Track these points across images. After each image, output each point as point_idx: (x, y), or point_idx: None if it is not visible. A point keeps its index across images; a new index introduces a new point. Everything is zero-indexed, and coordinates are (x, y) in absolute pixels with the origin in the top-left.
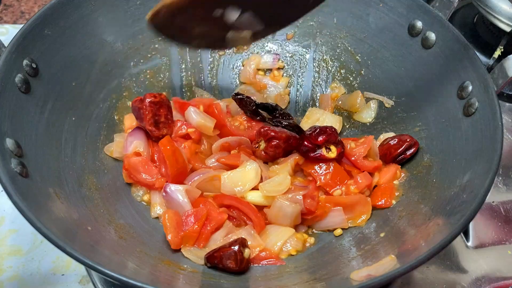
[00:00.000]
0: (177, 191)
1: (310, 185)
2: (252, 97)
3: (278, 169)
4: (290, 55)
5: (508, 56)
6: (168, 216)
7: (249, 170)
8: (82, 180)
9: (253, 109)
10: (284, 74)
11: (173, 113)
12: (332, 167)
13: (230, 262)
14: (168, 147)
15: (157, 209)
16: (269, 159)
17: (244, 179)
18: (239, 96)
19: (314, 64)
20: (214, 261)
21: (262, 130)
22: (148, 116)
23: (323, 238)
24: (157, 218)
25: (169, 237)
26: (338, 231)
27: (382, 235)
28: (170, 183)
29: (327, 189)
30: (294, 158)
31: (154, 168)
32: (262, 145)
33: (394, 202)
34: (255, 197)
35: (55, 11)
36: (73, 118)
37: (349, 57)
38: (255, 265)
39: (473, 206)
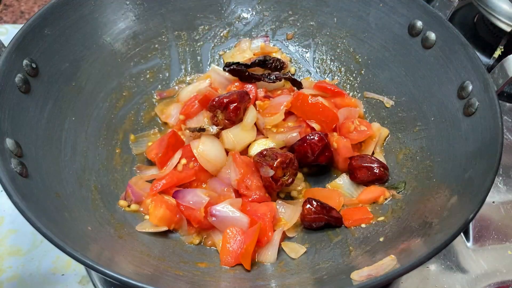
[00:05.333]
0: (225, 208)
1: (302, 124)
2: (239, 62)
3: (274, 119)
4: (290, 55)
5: (508, 56)
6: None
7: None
8: (82, 180)
9: (246, 75)
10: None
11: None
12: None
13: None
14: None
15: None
16: (235, 123)
17: (243, 134)
18: (232, 67)
19: (314, 64)
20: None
21: (213, 102)
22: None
23: (324, 239)
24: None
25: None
26: (337, 237)
27: (382, 237)
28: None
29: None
30: (284, 106)
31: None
32: (220, 115)
33: (364, 225)
34: (257, 149)
35: (55, 11)
36: (73, 118)
37: (349, 57)
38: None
39: (473, 206)
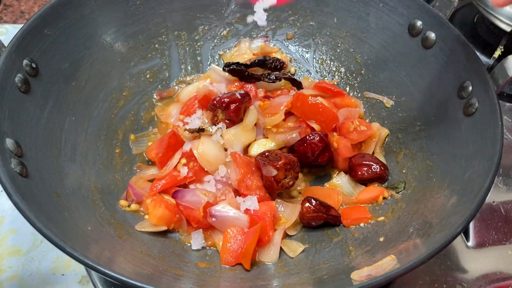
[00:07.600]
0: (225, 208)
1: (302, 124)
2: (239, 62)
3: (274, 120)
4: (290, 55)
5: (508, 56)
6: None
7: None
8: (82, 180)
9: (245, 75)
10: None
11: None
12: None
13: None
14: None
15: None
16: (236, 123)
17: (243, 134)
18: (231, 67)
19: (314, 64)
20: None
21: (214, 102)
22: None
23: (324, 239)
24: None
25: (229, 257)
26: (337, 237)
27: (382, 237)
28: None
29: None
30: (284, 106)
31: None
32: (220, 115)
33: (362, 224)
34: (257, 149)
35: (55, 11)
36: (73, 118)
37: (349, 57)
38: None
39: (473, 206)
